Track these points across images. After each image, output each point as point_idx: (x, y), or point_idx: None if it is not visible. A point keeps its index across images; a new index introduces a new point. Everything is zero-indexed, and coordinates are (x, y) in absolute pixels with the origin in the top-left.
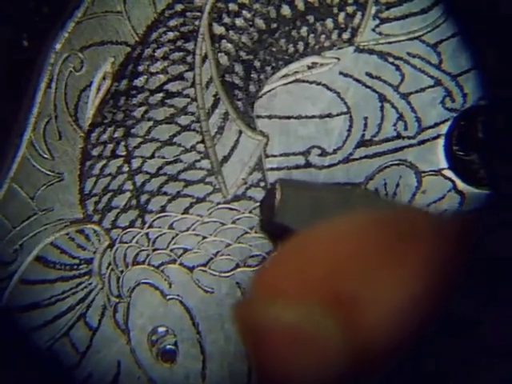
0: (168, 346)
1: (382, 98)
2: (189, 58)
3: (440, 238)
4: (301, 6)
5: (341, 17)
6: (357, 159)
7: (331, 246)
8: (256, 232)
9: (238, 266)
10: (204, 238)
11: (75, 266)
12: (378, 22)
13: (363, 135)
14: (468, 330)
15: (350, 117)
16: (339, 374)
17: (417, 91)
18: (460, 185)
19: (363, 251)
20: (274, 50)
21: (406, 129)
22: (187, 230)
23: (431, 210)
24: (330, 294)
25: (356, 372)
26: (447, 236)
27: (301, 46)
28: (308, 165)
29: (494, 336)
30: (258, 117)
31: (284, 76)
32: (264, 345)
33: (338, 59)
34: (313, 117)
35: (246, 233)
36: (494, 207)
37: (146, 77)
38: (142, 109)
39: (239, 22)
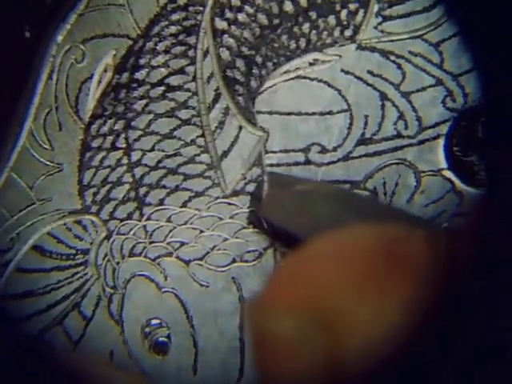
0: (161, 339)
1: (383, 97)
2: (190, 52)
3: (431, 262)
4: (303, 2)
5: (343, 14)
6: (356, 157)
7: (326, 266)
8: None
9: (234, 260)
10: (201, 232)
11: (71, 256)
12: (380, 19)
13: (363, 133)
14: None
15: (351, 114)
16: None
17: (418, 90)
18: (459, 185)
19: (353, 273)
20: (275, 45)
21: (406, 128)
22: (185, 223)
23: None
24: (319, 311)
25: None
26: (439, 258)
27: (303, 43)
28: (307, 162)
29: None
30: (259, 112)
31: (285, 72)
32: (262, 345)
33: (340, 56)
34: (313, 114)
35: (244, 228)
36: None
37: (147, 70)
38: (143, 102)
39: (241, 17)
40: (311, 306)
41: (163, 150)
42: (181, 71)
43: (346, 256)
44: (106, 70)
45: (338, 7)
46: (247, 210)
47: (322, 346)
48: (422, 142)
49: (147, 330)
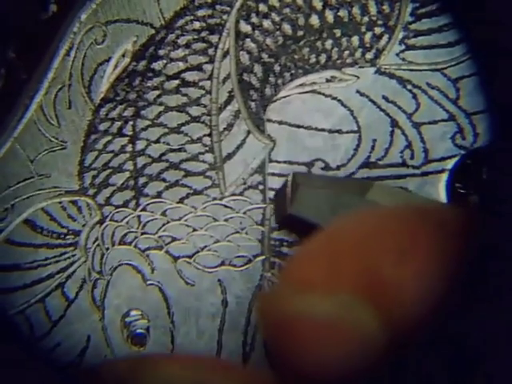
0: (139, 330)
1: (394, 124)
2: (210, 51)
3: (463, 226)
4: (330, 18)
5: (367, 36)
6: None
7: (361, 237)
8: (246, 233)
9: (223, 263)
10: (194, 230)
11: (62, 236)
12: (403, 47)
13: (369, 157)
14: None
15: (359, 136)
16: (374, 362)
17: (429, 122)
18: None
19: (393, 241)
20: (295, 57)
21: (412, 157)
22: (179, 219)
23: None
24: (364, 282)
25: (391, 359)
26: (467, 225)
27: (323, 58)
28: None
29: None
30: (269, 121)
31: (301, 85)
32: (292, 338)
33: (358, 77)
34: (322, 130)
35: (236, 232)
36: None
37: (164, 62)
38: (156, 92)
39: (266, 23)
40: (350, 281)
41: (168, 144)
42: (198, 68)
43: (380, 225)
44: (124, 55)
45: (363, 29)
46: (242, 215)
47: (376, 320)
48: (425, 174)
49: (127, 319)
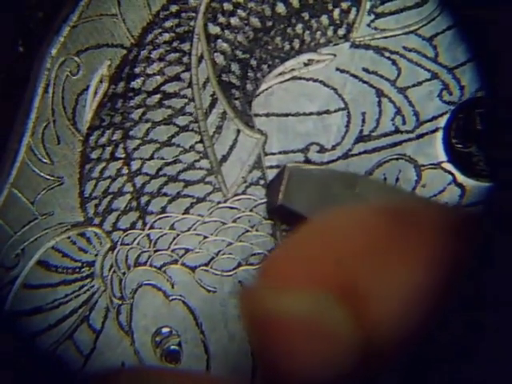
0: (172, 347)
1: (380, 93)
2: (185, 59)
3: (447, 229)
4: (295, 3)
5: (336, 13)
6: (356, 155)
7: (341, 237)
8: (257, 230)
9: (239, 264)
10: (205, 237)
11: (77, 269)
12: (373, 17)
13: (361, 131)
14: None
15: (348, 112)
16: (348, 365)
17: (414, 85)
18: (460, 177)
19: (372, 242)
20: (269, 48)
21: (404, 123)
22: (188, 230)
23: (436, 201)
24: (340, 284)
25: (365, 364)
26: (453, 227)
27: (296, 44)
28: (307, 161)
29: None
30: (256, 115)
31: (280, 74)
32: (270, 333)
33: (334, 55)
34: (310, 114)
35: (247, 231)
36: (495, 199)
37: (142, 78)
38: (140, 111)
39: (234, 21)
40: (326, 282)
41: (163, 158)
42: (176, 78)
43: (361, 224)
44: (101, 81)
45: (330, 6)
46: (250, 214)
47: (349, 321)
48: (420, 136)
49: (158, 339)
